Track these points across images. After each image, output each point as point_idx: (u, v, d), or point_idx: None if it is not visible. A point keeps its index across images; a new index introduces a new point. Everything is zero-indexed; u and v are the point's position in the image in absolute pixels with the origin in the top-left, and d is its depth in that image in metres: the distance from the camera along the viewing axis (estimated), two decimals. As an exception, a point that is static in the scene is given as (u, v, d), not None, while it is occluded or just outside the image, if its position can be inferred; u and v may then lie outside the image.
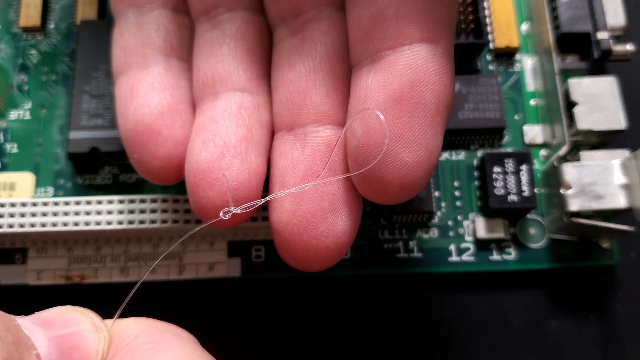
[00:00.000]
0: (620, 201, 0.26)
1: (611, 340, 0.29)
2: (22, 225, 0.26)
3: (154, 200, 0.26)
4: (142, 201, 0.26)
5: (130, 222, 0.26)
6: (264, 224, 0.26)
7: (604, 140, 0.29)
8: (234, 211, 0.23)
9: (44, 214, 0.26)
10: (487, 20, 0.31)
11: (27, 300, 0.29)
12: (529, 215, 0.29)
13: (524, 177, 0.28)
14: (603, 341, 0.29)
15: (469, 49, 0.30)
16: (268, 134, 0.23)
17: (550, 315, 0.29)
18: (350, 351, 0.28)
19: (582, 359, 0.28)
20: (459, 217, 0.29)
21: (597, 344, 0.29)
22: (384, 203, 0.20)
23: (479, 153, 0.30)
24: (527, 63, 0.31)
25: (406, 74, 0.19)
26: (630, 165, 0.26)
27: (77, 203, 0.26)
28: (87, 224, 0.26)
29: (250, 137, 0.22)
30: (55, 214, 0.26)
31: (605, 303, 0.29)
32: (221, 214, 0.23)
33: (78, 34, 0.30)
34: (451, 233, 0.29)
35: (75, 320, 0.18)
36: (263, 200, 0.25)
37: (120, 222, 0.26)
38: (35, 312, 0.18)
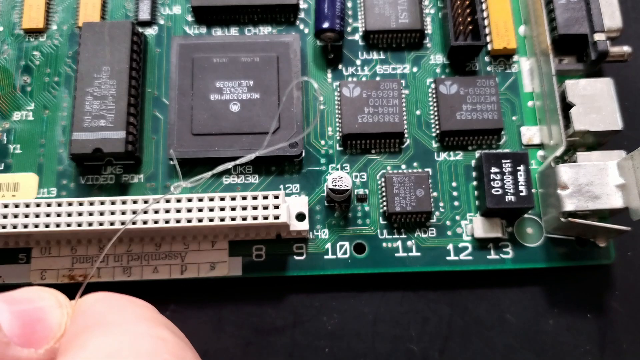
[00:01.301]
0: (616, 201, 0.27)
1: (608, 339, 0.29)
2: (25, 226, 0.26)
3: (156, 201, 0.26)
4: (145, 201, 0.26)
5: (133, 222, 0.26)
6: (265, 223, 0.27)
7: (601, 141, 0.29)
8: (183, 185, 0.24)
9: (48, 214, 0.26)
10: (485, 22, 0.31)
11: (31, 299, 0.29)
12: (526, 215, 0.29)
13: (521, 178, 0.28)
14: (600, 339, 0.29)
15: (466, 50, 0.31)
16: None
17: (547, 314, 0.29)
18: (350, 350, 0.29)
19: (579, 357, 0.29)
20: (457, 217, 0.29)
21: (594, 342, 0.29)
22: None
23: (477, 154, 0.30)
24: (524, 65, 0.32)
25: None
26: (626, 166, 0.26)
27: (80, 203, 0.26)
28: (90, 224, 0.26)
29: None
30: (58, 214, 0.26)
31: (602, 302, 0.30)
32: (172, 188, 0.23)
33: (80, 36, 0.30)
34: (449, 233, 0.29)
35: (39, 297, 0.19)
36: (210, 174, 0.24)
37: (122, 222, 0.26)
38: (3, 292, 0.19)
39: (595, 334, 0.29)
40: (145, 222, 0.26)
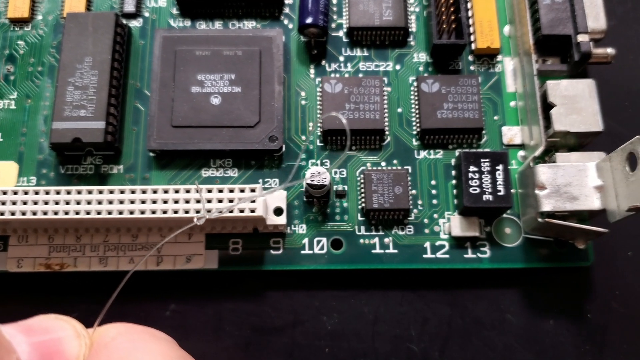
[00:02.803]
0: (594, 203, 0.26)
1: (608, 339, 0.29)
2: (2, 213, 0.26)
3: (133, 192, 0.26)
4: (122, 192, 0.26)
5: (109, 212, 0.26)
6: (241, 216, 0.27)
7: (582, 142, 0.29)
8: (207, 217, 0.24)
9: (25, 203, 0.26)
10: (470, 21, 0.31)
11: (7, 287, 0.29)
12: (504, 215, 0.29)
13: (500, 177, 0.28)
14: (600, 339, 0.29)
15: (449, 49, 0.31)
16: None
17: (548, 314, 0.29)
18: (350, 350, 0.29)
19: (579, 357, 0.29)
20: (435, 215, 0.29)
21: (594, 342, 0.29)
22: None
23: (457, 152, 0.30)
24: (508, 65, 0.32)
25: None
26: (605, 167, 0.26)
27: (58, 192, 0.26)
28: (66, 213, 0.26)
29: None
30: (35, 203, 0.26)
31: (601, 302, 0.29)
32: (195, 220, 0.23)
33: (64, 26, 0.30)
34: (427, 230, 0.29)
35: (57, 327, 0.19)
36: (234, 205, 0.25)
37: (99, 212, 0.26)
38: (20, 321, 0.18)
39: (595, 334, 0.29)
40: (121, 212, 0.26)
